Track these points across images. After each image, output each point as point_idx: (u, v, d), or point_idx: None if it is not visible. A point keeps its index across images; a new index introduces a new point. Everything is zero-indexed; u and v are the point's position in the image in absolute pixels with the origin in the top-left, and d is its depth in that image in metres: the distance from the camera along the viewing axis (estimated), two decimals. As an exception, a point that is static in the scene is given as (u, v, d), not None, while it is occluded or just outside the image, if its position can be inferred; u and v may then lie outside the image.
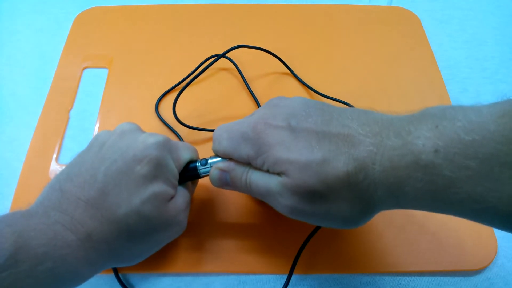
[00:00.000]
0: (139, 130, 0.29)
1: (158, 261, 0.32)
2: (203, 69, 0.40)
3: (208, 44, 0.46)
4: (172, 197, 0.27)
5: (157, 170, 0.26)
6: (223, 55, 0.41)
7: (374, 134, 0.22)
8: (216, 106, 0.41)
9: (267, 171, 0.25)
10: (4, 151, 0.39)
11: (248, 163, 0.26)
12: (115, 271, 0.32)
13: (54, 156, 0.38)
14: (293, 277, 0.32)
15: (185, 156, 0.30)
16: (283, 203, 0.25)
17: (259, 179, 0.26)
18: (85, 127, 0.40)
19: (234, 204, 0.35)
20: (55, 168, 0.37)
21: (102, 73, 0.44)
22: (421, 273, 0.33)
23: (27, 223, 0.23)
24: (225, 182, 0.28)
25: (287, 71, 0.44)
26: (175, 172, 0.28)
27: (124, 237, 0.25)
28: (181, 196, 0.29)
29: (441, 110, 0.21)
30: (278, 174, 0.24)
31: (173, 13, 0.49)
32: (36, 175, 0.37)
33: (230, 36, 0.47)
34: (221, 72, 0.44)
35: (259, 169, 0.26)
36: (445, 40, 0.49)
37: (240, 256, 0.33)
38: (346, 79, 0.44)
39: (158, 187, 0.26)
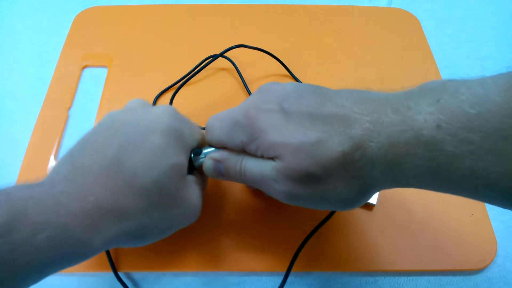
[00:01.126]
0: (149, 104, 0.29)
1: (157, 260, 0.32)
2: (200, 69, 0.40)
3: (208, 44, 0.46)
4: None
5: (172, 139, 0.25)
6: (221, 54, 0.41)
7: (370, 112, 0.22)
8: (215, 106, 0.41)
9: (262, 157, 0.25)
10: (3, 149, 0.39)
11: (242, 151, 0.26)
12: (114, 269, 0.32)
13: (53, 154, 0.38)
14: (294, 275, 0.32)
15: (197, 135, 0.29)
16: (278, 189, 0.24)
17: (253, 167, 0.25)
18: (84, 125, 0.40)
19: (233, 203, 0.35)
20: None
21: (102, 72, 0.44)
22: (421, 273, 0.33)
23: (27, 192, 0.22)
24: (219, 172, 0.27)
25: (287, 73, 0.44)
26: (189, 142, 0.27)
27: (139, 209, 0.24)
28: (195, 181, 0.28)
29: (441, 83, 0.21)
30: (273, 159, 0.24)
31: (173, 13, 0.49)
32: (35, 174, 0.37)
33: (230, 37, 0.47)
34: (220, 72, 0.44)
35: (253, 155, 0.25)
36: (445, 40, 0.49)
37: (240, 255, 0.33)
38: (345, 81, 0.44)
39: (176, 158, 0.25)
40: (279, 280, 0.32)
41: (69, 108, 0.41)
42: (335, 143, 0.22)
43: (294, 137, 0.23)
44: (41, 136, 0.39)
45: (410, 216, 0.35)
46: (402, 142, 0.20)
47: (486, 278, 0.33)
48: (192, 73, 0.41)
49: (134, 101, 0.29)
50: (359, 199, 0.24)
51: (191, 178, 0.28)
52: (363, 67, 0.45)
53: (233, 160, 0.26)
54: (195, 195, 0.27)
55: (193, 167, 0.29)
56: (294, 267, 0.32)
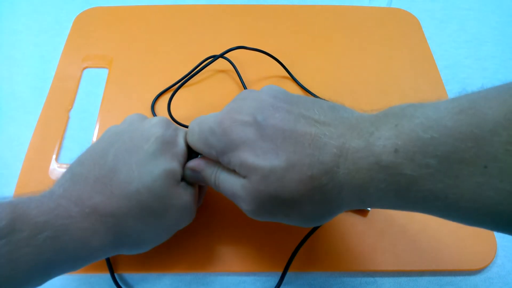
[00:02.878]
0: (146, 118, 0.30)
1: (157, 261, 0.32)
2: (199, 70, 0.40)
3: (208, 45, 0.46)
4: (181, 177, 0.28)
5: (164, 146, 0.26)
6: (221, 55, 0.41)
7: (338, 136, 0.22)
8: (214, 107, 0.41)
9: (234, 171, 0.25)
10: (4, 151, 0.39)
11: (217, 160, 0.26)
12: (111, 271, 0.32)
13: (54, 155, 0.38)
14: (293, 275, 0.33)
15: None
16: (244, 208, 0.25)
17: (226, 181, 0.26)
18: (85, 127, 0.40)
19: (231, 204, 0.35)
20: (55, 167, 0.37)
21: (102, 73, 0.44)
22: (421, 273, 0.33)
23: (28, 197, 0.24)
24: (198, 180, 0.28)
25: (287, 74, 0.44)
26: (184, 149, 0.28)
27: (134, 214, 0.25)
28: (191, 186, 0.29)
29: (402, 108, 0.21)
30: (243, 176, 0.24)
31: (173, 13, 0.49)
32: (36, 175, 0.37)
33: (230, 38, 0.47)
34: (220, 74, 0.44)
35: (227, 167, 0.26)
36: (445, 40, 0.49)
37: (239, 256, 0.33)
38: (345, 81, 0.44)
39: (168, 164, 0.26)
40: (279, 279, 0.32)
41: (70, 109, 0.41)
42: (304, 166, 0.22)
43: (265, 159, 0.23)
44: (42, 137, 0.39)
45: (409, 216, 0.35)
46: (365, 167, 0.21)
47: (486, 278, 0.33)
48: (191, 74, 0.41)
49: (132, 115, 0.30)
50: (324, 218, 0.25)
51: (185, 183, 0.28)
52: (363, 68, 0.45)
53: (209, 171, 0.27)
54: (188, 200, 0.27)
55: None
56: (293, 267, 0.32)
